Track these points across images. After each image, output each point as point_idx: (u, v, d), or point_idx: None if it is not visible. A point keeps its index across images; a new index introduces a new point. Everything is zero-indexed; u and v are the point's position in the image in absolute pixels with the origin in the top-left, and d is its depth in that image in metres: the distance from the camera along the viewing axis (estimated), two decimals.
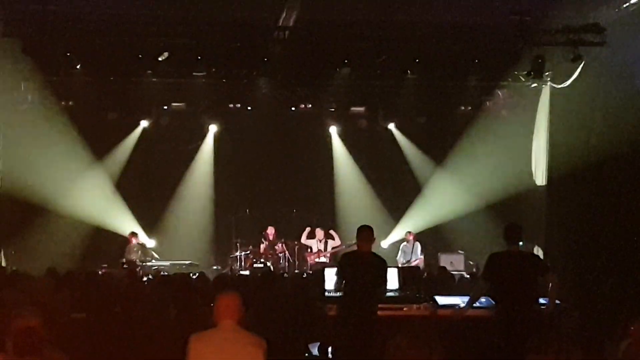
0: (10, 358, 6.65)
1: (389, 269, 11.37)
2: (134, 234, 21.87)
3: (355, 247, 11.27)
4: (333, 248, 22.14)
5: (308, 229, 22.72)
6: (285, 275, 16.56)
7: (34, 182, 20.90)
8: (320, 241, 22.47)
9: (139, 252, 21.49)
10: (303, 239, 22.66)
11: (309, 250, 22.63)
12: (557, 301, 10.78)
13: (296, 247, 22.95)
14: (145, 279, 16.08)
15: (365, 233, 11.01)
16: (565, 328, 10.61)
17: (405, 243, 21.80)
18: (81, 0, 18.28)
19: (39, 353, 6.67)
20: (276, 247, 22.53)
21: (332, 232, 22.59)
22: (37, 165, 20.98)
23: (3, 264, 20.15)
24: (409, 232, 22.02)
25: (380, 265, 11.00)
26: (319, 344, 11.05)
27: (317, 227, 22.75)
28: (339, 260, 12.34)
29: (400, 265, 19.89)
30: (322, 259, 21.94)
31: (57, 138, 21.38)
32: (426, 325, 11.34)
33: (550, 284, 10.52)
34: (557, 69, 20.31)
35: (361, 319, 10.63)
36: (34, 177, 20.85)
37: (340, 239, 22.30)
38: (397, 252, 21.87)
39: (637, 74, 17.47)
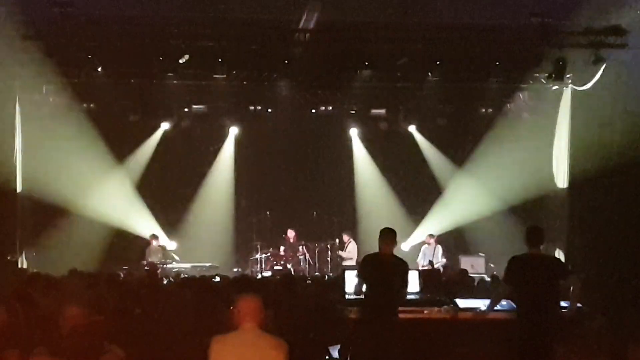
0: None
1: (410, 272, 11.32)
2: (154, 237, 21.91)
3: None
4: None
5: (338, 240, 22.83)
6: (308, 280, 16.52)
7: (55, 184, 20.98)
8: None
9: (159, 254, 21.54)
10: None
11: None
12: (579, 304, 10.71)
13: (317, 250, 22.96)
14: (165, 281, 16.09)
15: (388, 236, 10.96)
16: (587, 332, 10.54)
17: (426, 245, 21.66)
18: (102, 3, 18.36)
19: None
20: (297, 250, 22.55)
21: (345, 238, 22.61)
22: (58, 167, 21.07)
23: (24, 265, 20.24)
24: (430, 235, 21.87)
25: (402, 267, 10.94)
26: (339, 346, 11.04)
27: (340, 230, 22.79)
28: (360, 262, 12.31)
29: (420, 268, 19.85)
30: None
31: (79, 140, 21.47)
32: (446, 328, 11.30)
33: (572, 287, 10.46)
34: (579, 71, 20.21)
35: (382, 322, 10.58)
36: (55, 179, 20.94)
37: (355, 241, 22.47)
38: (418, 255, 21.79)
39: None
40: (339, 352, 11.01)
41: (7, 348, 5.90)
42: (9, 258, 19.88)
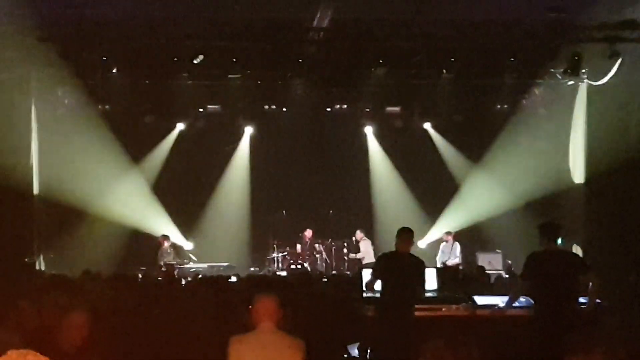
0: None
1: (427, 270, 11.34)
2: (165, 237, 21.92)
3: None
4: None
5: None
6: (324, 278, 16.53)
7: (72, 186, 21.04)
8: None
9: (172, 254, 21.57)
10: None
11: None
12: (598, 300, 10.67)
13: (333, 248, 22.94)
14: (183, 281, 16.10)
15: (405, 235, 11.02)
16: (606, 327, 10.50)
17: (444, 243, 21.63)
18: (117, 5, 18.38)
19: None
20: (314, 248, 22.56)
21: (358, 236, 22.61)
22: (75, 169, 21.14)
23: (42, 267, 20.29)
24: (448, 233, 21.83)
25: (418, 266, 10.97)
26: (358, 344, 11.04)
27: (356, 229, 22.74)
28: (376, 260, 12.33)
29: (438, 265, 19.85)
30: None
31: (94, 142, 21.54)
32: (464, 326, 11.27)
33: (591, 283, 10.41)
34: (594, 66, 20.09)
35: (399, 320, 10.60)
36: (71, 180, 21.00)
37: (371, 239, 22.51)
38: (435, 252, 21.78)
39: None
40: (358, 349, 11.02)
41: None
42: (26, 260, 19.94)
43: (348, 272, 21.07)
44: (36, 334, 7.76)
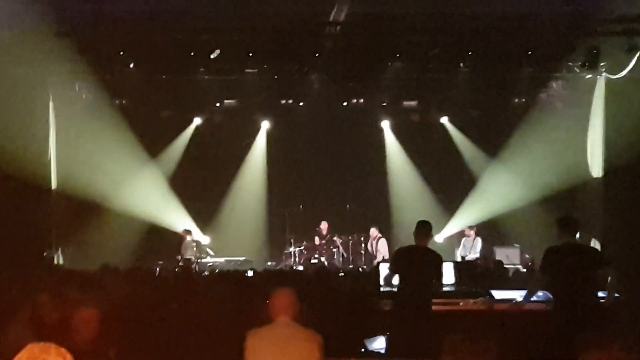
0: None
1: (445, 264, 11.32)
2: (187, 232, 21.99)
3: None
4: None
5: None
6: (341, 273, 16.52)
7: (89, 181, 21.09)
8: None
9: (194, 249, 21.63)
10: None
11: None
12: (616, 294, 10.64)
13: (350, 243, 22.91)
14: (201, 275, 16.13)
15: (424, 228, 11.04)
16: (625, 322, 10.47)
17: (466, 237, 21.58)
18: (134, 0, 18.42)
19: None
20: (330, 242, 22.53)
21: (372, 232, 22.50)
22: (92, 163, 21.20)
23: (61, 262, 20.37)
24: (470, 227, 21.75)
25: (435, 259, 10.97)
26: (384, 337, 11.04)
27: (373, 223, 22.67)
28: (393, 254, 12.33)
29: (459, 259, 19.85)
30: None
31: (112, 136, 21.57)
32: (482, 320, 11.25)
33: (609, 277, 10.39)
34: (612, 59, 19.96)
35: (416, 314, 10.60)
36: (89, 175, 21.05)
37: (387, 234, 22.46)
38: (452, 246, 21.79)
39: None
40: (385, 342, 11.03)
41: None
42: (45, 254, 20.02)
43: (365, 267, 21.03)
44: (54, 328, 7.80)
